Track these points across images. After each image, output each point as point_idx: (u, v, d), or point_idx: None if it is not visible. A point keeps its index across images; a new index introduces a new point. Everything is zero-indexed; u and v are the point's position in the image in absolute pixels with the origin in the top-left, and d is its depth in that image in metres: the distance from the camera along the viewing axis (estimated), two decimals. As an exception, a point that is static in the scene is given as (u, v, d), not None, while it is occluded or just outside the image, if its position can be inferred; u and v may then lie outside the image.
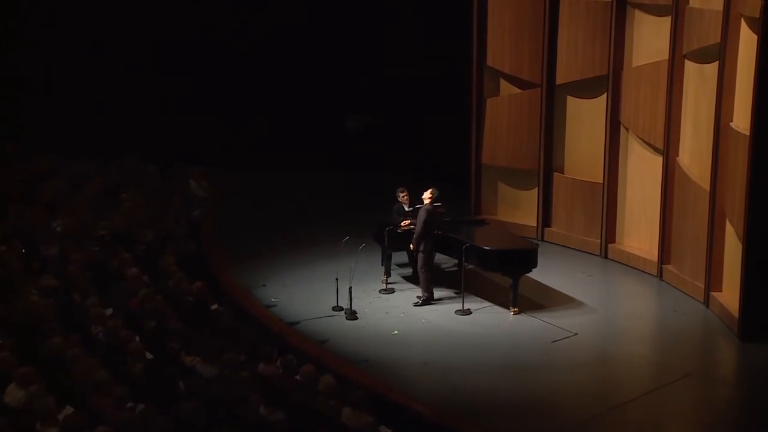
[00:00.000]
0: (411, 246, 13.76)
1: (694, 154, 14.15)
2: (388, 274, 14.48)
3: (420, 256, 13.68)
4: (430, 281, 13.75)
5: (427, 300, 13.72)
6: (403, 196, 14.49)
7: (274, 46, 20.94)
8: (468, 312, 13.43)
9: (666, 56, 14.49)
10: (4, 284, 11.85)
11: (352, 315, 13.20)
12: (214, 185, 18.65)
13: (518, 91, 17.09)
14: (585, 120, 16.36)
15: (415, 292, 14.12)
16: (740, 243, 12.51)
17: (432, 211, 13.58)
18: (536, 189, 17.13)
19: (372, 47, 20.48)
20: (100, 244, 13.90)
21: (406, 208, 14.48)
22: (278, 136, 20.92)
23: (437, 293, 13.94)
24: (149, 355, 10.13)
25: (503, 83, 17.31)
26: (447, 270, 15.03)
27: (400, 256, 15.13)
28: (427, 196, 13.63)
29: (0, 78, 20.22)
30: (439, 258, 14.34)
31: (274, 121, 21.07)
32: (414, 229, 13.91)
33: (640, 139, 15.40)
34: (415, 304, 13.68)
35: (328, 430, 9.04)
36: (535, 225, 17.21)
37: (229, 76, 20.93)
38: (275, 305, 13.70)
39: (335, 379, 9.74)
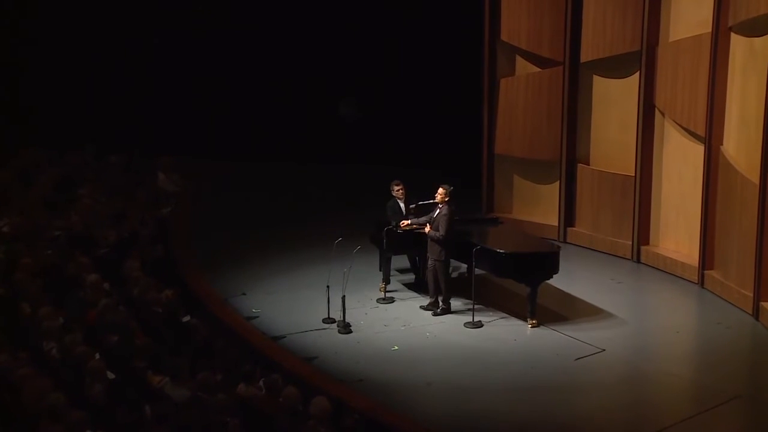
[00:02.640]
0: (428, 254, 13.70)
1: (741, 142, 14.10)
2: (387, 281, 14.44)
3: (437, 264, 13.63)
4: (450, 291, 13.79)
5: (448, 310, 13.74)
6: (398, 190, 14.42)
7: (258, 22, 20.90)
8: (479, 325, 13.39)
9: (709, 29, 14.43)
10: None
11: (345, 328, 13.16)
12: (185, 178, 18.59)
13: (537, 69, 17.06)
14: (614, 103, 16.32)
15: (419, 302, 14.10)
16: (795, 245, 12.48)
17: (454, 212, 13.54)
18: (557, 183, 17.13)
19: (367, 20, 20.44)
20: (54, 246, 13.82)
21: (402, 204, 14.41)
22: (264, 122, 20.88)
23: (444, 303, 13.95)
24: (111, 375, 10.06)
25: (519, 61, 17.29)
26: (455, 276, 14.98)
27: (401, 261, 15.08)
28: (441, 194, 13.54)
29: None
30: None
31: (259, 105, 21.03)
32: (416, 229, 13.86)
33: (678, 124, 15.34)
34: (435, 314, 13.69)
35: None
36: (556, 224, 17.20)
37: (203, 54, 20.89)
38: (257, 317, 13.65)
39: (327, 402, 9.67)
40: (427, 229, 13.61)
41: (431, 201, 13.73)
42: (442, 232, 13.45)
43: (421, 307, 13.97)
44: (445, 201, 13.52)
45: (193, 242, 16.17)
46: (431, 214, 13.70)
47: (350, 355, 12.49)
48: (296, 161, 20.46)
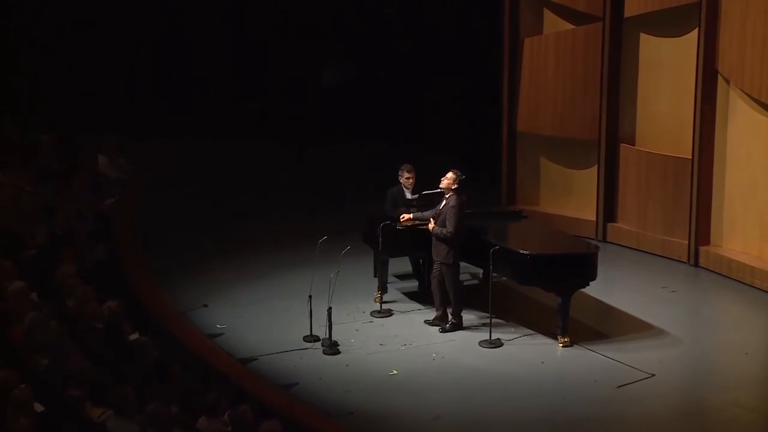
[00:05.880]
0: (432, 254, 13.69)
1: (824, 117, 14.15)
2: (383, 289, 14.46)
3: (444, 268, 13.62)
4: (462, 302, 13.78)
5: (458, 325, 13.74)
6: (407, 178, 14.44)
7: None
8: (498, 343, 13.41)
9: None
10: None
11: (332, 348, 13.16)
12: (134, 162, 18.56)
13: (570, 26, 17.08)
14: (666, 68, 16.33)
15: (423, 315, 14.12)
16: None
17: (464, 203, 13.50)
18: (595, 168, 17.14)
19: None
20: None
21: (408, 195, 14.40)
22: (232, 93, 20.87)
23: (454, 317, 13.96)
24: (39, 407, 10.04)
25: (548, 15, 17.35)
26: (467, 283, 14.98)
27: (401, 264, 15.06)
28: (449, 179, 13.49)
29: None
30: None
31: (225, 71, 21.03)
32: (419, 225, 13.86)
33: (747, 95, 15.34)
34: (443, 330, 13.69)
35: None
36: (593, 219, 17.23)
37: (157, 9, 20.89)
38: (222, 334, 13.67)
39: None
40: (431, 225, 13.57)
41: (438, 190, 13.69)
42: (449, 228, 13.41)
43: (425, 321, 13.97)
44: (453, 189, 13.47)
45: (143, 241, 16.13)
46: (437, 207, 13.67)
47: (338, 382, 12.50)
48: (272, 139, 20.45)
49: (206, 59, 21.05)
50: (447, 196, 13.53)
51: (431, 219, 13.65)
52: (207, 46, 21.12)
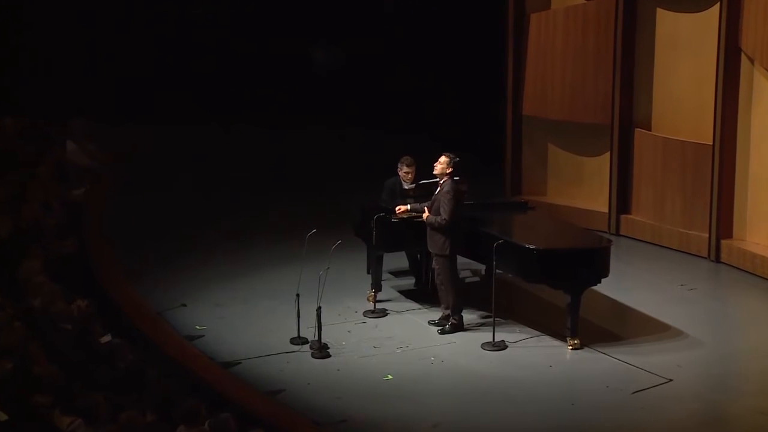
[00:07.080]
0: (428, 246, 13.69)
1: None
2: (377, 287, 14.45)
3: (441, 261, 13.61)
4: (461, 298, 13.76)
5: (459, 326, 13.73)
6: (407, 172, 14.42)
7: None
8: (502, 346, 13.41)
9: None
10: None
11: (321, 351, 13.17)
12: (105, 149, 18.55)
13: (581, 1, 17.04)
14: (685, 46, 16.34)
15: (420, 315, 14.15)
16: None
17: (459, 190, 13.48)
18: (607, 155, 17.15)
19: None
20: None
21: (406, 186, 14.40)
22: (214, 74, 20.89)
23: (454, 317, 13.96)
24: (3, 416, 10.03)
25: (556, -11, 17.37)
26: (468, 281, 15.01)
27: (397, 259, 15.10)
28: (442, 163, 13.48)
29: None
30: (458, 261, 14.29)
31: (207, 51, 21.04)
32: (416, 217, 13.85)
33: (773, 76, 15.40)
34: (441, 331, 13.68)
35: None
36: (605, 211, 17.25)
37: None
38: (202, 336, 13.67)
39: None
40: (426, 214, 13.55)
41: (435, 180, 13.68)
42: (444, 215, 13.38)
43: (430, 322, 13.96)
44: (448, 174, 13.45)
45: (116, 235, 16.13)
46: (434, 196, 13.66)
47: (328, 388, 12.49)
48: (257, 124, 20.46)
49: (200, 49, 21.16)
50: (441, 181, 13.50)
51: (426, 208, 13.62)
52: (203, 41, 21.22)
